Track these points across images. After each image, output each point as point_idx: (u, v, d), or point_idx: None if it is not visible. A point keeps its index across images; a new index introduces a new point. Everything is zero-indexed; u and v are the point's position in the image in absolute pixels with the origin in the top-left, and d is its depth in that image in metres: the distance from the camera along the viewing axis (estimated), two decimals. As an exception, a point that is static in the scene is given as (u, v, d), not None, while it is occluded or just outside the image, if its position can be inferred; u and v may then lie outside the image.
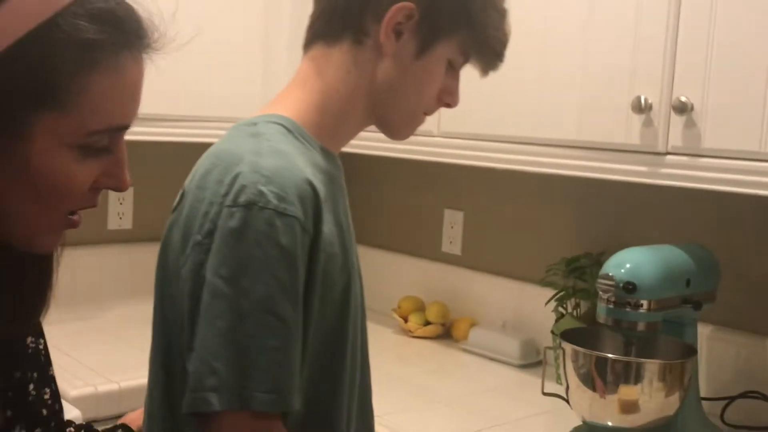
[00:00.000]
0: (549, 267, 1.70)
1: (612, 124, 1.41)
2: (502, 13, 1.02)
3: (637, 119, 1.37)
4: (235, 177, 0.84)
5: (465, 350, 1.92)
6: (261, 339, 0.80)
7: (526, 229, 1.97)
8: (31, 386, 0.87)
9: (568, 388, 1.37)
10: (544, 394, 1.41)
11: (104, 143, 0.70)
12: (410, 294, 2.12)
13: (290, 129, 0.93)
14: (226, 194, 0.83)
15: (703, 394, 1.48)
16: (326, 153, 0.98)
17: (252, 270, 0.80)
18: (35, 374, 0.88)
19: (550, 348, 1.47)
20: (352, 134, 1.05)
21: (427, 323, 2.02)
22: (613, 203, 1.79)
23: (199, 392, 0.80)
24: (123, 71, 0.68)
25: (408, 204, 2.29)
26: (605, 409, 1.32)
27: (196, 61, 1.68)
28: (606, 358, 1.32)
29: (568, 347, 1.36)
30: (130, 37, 0.69)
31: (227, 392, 0.79)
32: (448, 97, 1.04)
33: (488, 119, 1.62)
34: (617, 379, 1.31)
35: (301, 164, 0.88)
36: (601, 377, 1.32)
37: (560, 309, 1.69)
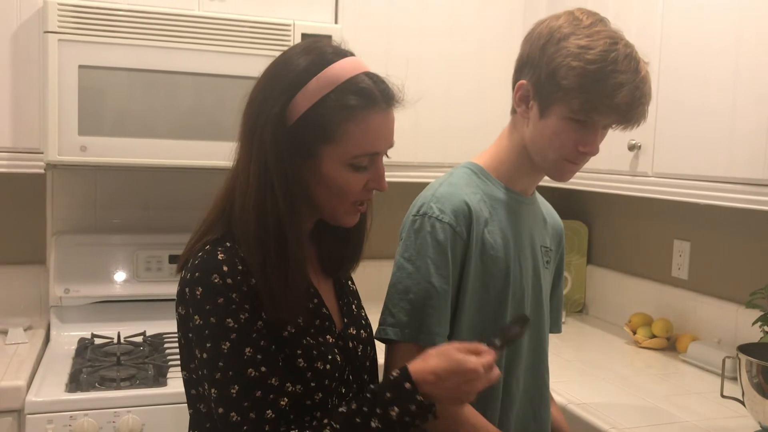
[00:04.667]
0: (753, 291, 1.89)
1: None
2: (614, 86, 1.21)
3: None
4: (422, 200, 1.31)
5: (684, 361, 2.17)
6: (421, 298, 1.24)
7: (742, 257, 2.14)
8: (354, 341, 1.20)
9: (743, 393, 1.60)
10: (723, 396, 1.65)
11: (365, 163, 1.10)
12: (640, 311, 2.40)
13: (475, 171, 1.36)
14: (415, 210, 1.30)
15: None
16: (506, 189, 1.36)
17: (420, 254, 1.26)
18: (360, 331, 1.23)
19: (730, 357, 1.69)
20: (531, 177, 1.38)
21: (653, 336, 2.29)
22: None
23: (382, 326, 1.27)
24: (370, 121, 1.08)
25: (643, 234, 2.56)
26: (777, 415, 1.52)
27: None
28: (772, 368, 1.52)
29: (743, 358, 1.58)
30: (378, 101, 1.08)
31: (399, 329, 1.25)
32: (583, 147, 1.28)
33: (689, 160, 1.86)
34: (786, 388, 1.51)
35: (465, 192, 1.29)
36: (769, 385, 1.53)
37: (765, 329, 1.86)
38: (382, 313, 1.29)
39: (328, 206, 1.12)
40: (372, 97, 1.08)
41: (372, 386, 1.10)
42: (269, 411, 1.02)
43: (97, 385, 1.86)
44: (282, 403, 1.03)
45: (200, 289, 1.04)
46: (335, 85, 1.06)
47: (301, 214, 1.09)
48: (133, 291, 2.35)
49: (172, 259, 2.38)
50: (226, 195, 1.12)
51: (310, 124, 1.06)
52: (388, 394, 1.05)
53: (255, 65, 2.13)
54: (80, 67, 2.00)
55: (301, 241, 1.09)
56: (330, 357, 1.11)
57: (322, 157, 1.08)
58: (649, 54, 1.91)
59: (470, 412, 1.24)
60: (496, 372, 1.09)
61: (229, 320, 1.03)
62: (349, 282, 1.30)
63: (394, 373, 1.08)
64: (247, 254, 1.06)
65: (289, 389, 1.05)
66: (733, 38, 1.73)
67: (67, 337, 2.22)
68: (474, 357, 1.05)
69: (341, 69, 1.07)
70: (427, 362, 1.06)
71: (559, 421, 1.55)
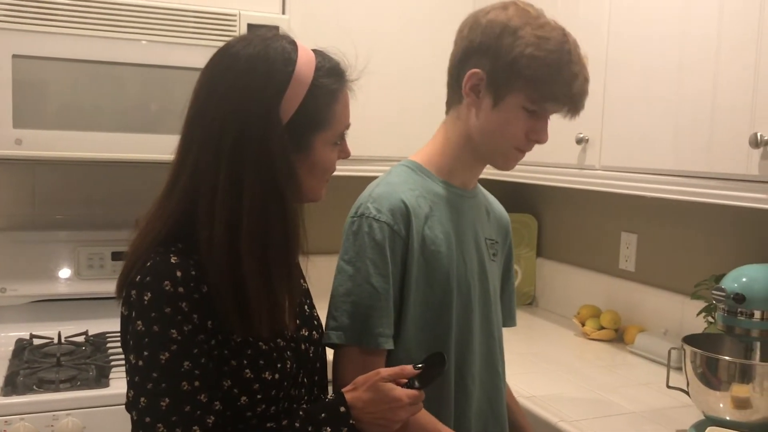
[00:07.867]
0: (697, 283, 1.92)
1: (735, 157, 1.60)
2: (571, 76, 1.25)
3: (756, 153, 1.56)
4: (359, 201, 1.30)
5: (632, 352, 2.20)
6: (363, 300, 1.23)
7: (688, 249, 2.17)
8: (306, 344, 1.20)
9: (688, 384, 1.61)
10: (669, 387, 1.66)
11: (339, 141, 1.14)
12: (589, 303, 2.42)
13: (413, 168, 1.35)
14: (353, 212, 1.29)
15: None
16: (445, 184, 1.35)
17: (359, 255, 1.25)
18: (312, 332, 1.23)
19: (675, 348, 1.71)
20: (471, 170, 1.38)
21: (602, 328, 2.32)
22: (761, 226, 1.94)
23: (326, 330, 1.25)
24: (343, 98, 1.13)
25: (591, 227, 2.58)
26: (720, 405, 1.52)
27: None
28: (716, 359, 1.54)
29: (688, 349, 1.59)
30: (342, 77, 1.13)
31: (342, 332, 1.24)
32: (534, 136, 1.29)
33: (636, 154, 1.87)
34: (729, 378, 1.50)
35: (402, 190, 1.29)
36: (713, 375, 1.54)
37: (708, 319, 1.90)
38: (327, 318, 1.27)
39: (312, 190, 1.13)
40: (340, 74, 1.13)
41: (305, 405, 1.12)
42: (196, 427, 1.00)
43: (34, 387, 1.79)
44: (209, 420, 1.01)
45: (149, 294, 1.00)
46: (312, 74, 1.08)
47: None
48: (74, 289, 2.28)
49: (115, 255, 2.31)
50: (181, 197, 1.06)
51: (304, 118, 1.08)
52: (323, 415, 1.08)
53: (199, 56, 2.06)
54: (14, 56, 1.91)
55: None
56: (279, 366, 1.09)
57: (315, 145, 1.10)
58: (596, 49, 1.95)
59: (420, 413, 1.22)
60: (420, 407, 1.14)
61: (173, 331, 0.99)
62: (302, 280, 1.27)
63: (330, 396, 1.13)
64: (229, 270, 1.02)
65: (217, 407, 1.03)
66: (678, 33, 1.75)
67: (4, 338, 2.13)
68: (399, 388, 1.11)
69: (307, 57, 1.09)
70: (357, 390, 1.12)
71: (516, 412, 1.54)
